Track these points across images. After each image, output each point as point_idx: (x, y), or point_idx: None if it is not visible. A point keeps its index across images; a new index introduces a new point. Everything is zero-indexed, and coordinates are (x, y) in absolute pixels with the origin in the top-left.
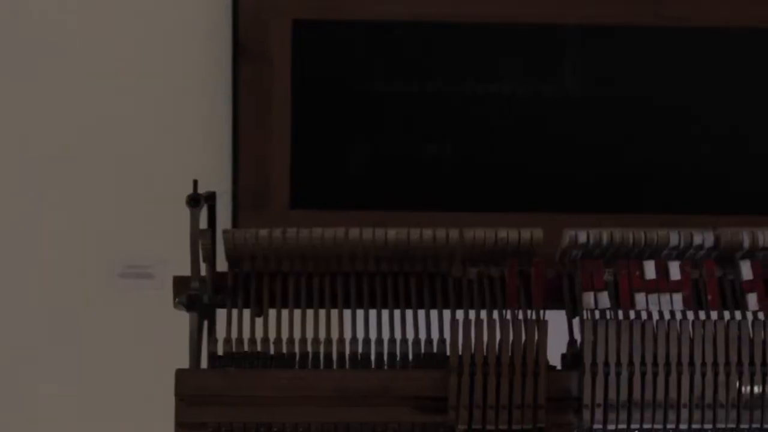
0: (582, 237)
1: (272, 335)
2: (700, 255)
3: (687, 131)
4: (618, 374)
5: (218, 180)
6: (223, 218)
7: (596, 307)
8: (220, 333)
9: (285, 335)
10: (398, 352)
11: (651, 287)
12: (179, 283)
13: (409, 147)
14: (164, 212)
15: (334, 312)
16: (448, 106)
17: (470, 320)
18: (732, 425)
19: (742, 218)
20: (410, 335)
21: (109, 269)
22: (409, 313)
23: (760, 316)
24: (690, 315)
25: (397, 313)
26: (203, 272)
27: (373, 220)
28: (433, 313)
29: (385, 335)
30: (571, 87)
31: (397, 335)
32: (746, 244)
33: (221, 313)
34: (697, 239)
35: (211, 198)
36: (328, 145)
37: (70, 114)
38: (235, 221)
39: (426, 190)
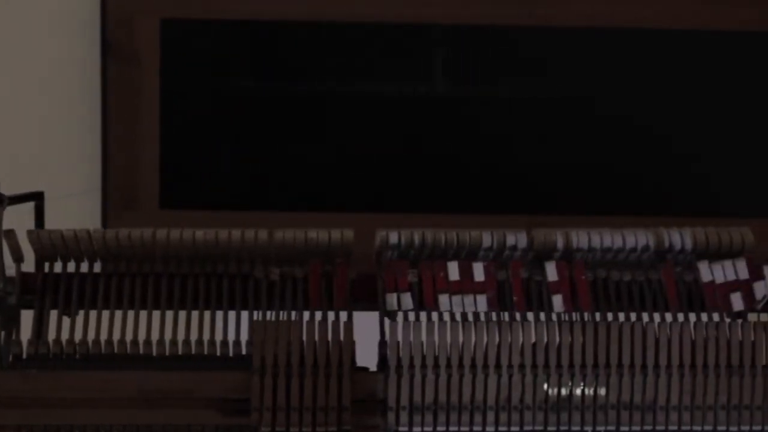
0: (393, 238)
1: (81, 336)
2: (516, 256)
3: (556, 131)
4: (423, 376)
5: (88, 179)
6: (93, 218)
7: (400, 308)
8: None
9: (92, 336)
10: (206, 354)
11: (455, 288)
12: None
13: (280, 147)
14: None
15: (143, 313)
16: (318, 106)
17: (274, 321)
18: (539, 427)
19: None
20: (220, 337)
21: None
22: (219, 314)
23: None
24: (500, 316)
25: (207, 314)
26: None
27: (244, 220)
28: (244, 314)
29: (194, 336)
30: (440, 87)
31: (206, 336)
32: (560, 245)
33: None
34: (510, 240)
35: (34, 197)
36: (198, 144)
37: None
38: (105, 221)
39: (296, 190)
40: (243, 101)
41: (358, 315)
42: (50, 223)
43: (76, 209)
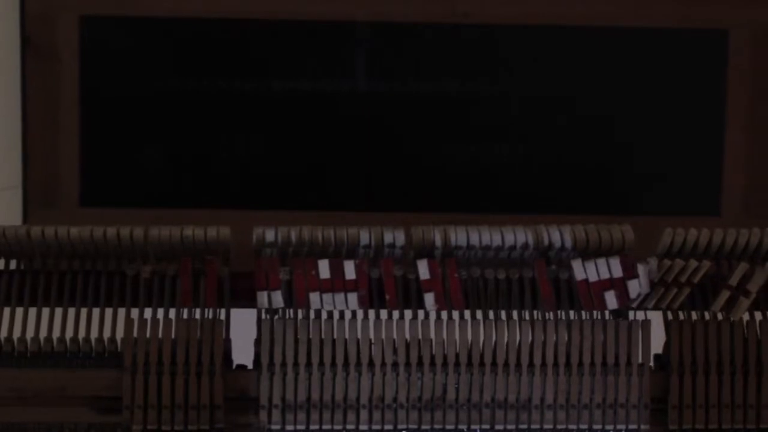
0: (270, 235)
1: None
2: (396, 254)
3: (479, 128)
4: (296, 374)
5: (8, 176)
6: (14, 215)
7: (270, 306)
8: None
9: None
10: (81, 351)
11: (326, 286)
12: None
13: (201, 144)
14: None
15: (20, 310)
16: (240, 103)
17: (144, 319)
18: (413, 426)
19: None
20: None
21: None
22: (96, 311)
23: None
24: (369, 315)
25: (84, 311)
26: None
27: (165, 218)
28: (122, 311)
29: (70, 334)
30: (363, 84)
31: (82, 334)
32: (438, 242)
33: None
34: (388, 238)
35: None
36: (119, 142)
37: None
38: (26, 218)
39: (218, 187)
40: (164, 98)
41: (245, 312)
42: None
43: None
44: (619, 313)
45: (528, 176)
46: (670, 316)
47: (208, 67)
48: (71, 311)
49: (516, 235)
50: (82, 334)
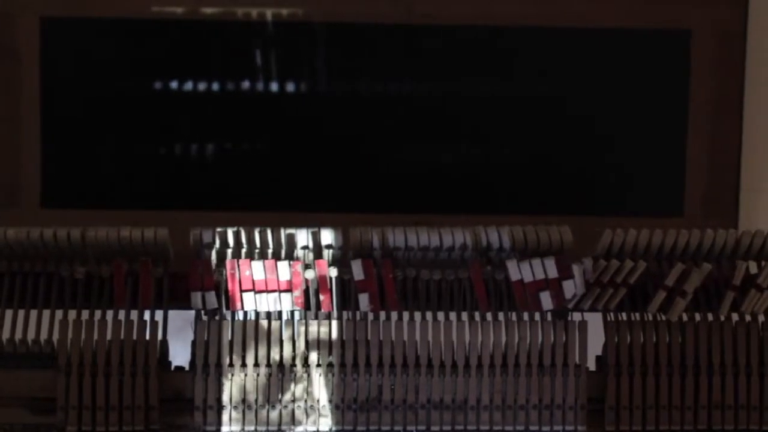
0: (207, 236)
1: None
2: (335, 254)
3: (437, 128)
4: (231, 375)
5: None
6: None
7: (204, 307)
8: None
9: None
10: (17, 352)
11: (260, 287)
12: None
13: (163, 146)
14: None
15: None
16: (200, 105)
17: (79, 320)
18: (349, 427)
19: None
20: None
21: None
22: (34, 312)
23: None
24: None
25: (21, 312)
26: None
27: (126, 220)
28: (60, 313)
29: (7, 335)
30: (321, 84)
31: (19, 335)
32: (376, 243)
33: None
34: (326, 239)
35: None
36: (80, 143)
37: None
38: None
39: (179, 189)
40: (123, 99)
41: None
42: None
43: None
44: (559, 314)
45: (491, 177)
46: (609, 317)
47: (167, 68)
48: (8, 312)
49: (454, 236)
50: (18, 335)
